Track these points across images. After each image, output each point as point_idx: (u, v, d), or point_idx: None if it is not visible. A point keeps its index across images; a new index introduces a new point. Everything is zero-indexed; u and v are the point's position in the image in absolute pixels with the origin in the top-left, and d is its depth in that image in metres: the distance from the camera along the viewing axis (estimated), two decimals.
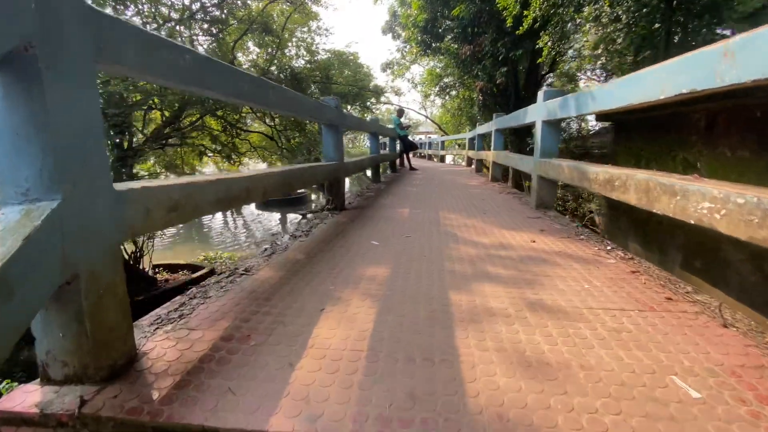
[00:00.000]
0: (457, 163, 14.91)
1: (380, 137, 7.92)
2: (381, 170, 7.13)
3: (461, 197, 4.67)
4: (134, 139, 8.36)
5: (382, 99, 13.84)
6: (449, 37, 11.46)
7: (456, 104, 14.75)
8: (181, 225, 10.46)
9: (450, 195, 4.76)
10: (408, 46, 19.30)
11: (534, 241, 2.59)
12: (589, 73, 15.16)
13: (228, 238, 17.34)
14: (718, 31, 5.93)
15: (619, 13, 6.58)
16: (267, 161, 11.30)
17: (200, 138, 9.20)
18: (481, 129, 9.41)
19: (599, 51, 10.11)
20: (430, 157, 17.84)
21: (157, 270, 10.84)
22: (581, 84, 19.22)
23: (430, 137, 43.64)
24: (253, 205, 24.72)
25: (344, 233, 2.92)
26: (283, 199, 13.98)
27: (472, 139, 10.17)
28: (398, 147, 9.87)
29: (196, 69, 1.60)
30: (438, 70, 14.41)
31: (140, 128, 8.40)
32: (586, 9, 6.87)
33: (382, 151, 7.58)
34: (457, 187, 5.54)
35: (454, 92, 13.89)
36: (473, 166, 9.54)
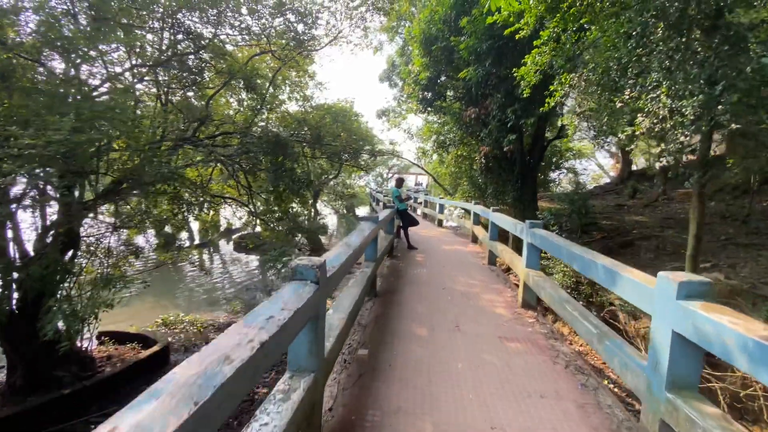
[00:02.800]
0: (459, 229, 13.69)
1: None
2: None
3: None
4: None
5: (377, 151, 12.91)
6: (452, 95, 10.74)
7: (454, 161, 13.93)
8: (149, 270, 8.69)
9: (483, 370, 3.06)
10: (404, 96, 18.87)
11: None
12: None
13: (201, 284, 15.69)
14: None
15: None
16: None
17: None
18: (479, 210, 8.42)
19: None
20: (423, 215, 16.42)
21: (101, 339, 9.14)
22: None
23: (419, 183, 42.59)
24: (230, 246, 23.25)
25: None
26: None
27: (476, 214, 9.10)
28: (395, 222, 8.74)
29: None
30: (437, 125, 13.72)
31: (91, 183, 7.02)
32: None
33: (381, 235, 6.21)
34: (483, 329, 3.82)
35: (452, 149, 13.05)
36: (480, 248, 8.24)
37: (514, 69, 7.01)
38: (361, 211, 34.82)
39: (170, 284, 15.10)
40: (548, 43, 5.92)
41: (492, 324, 4.04)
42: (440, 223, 12.80)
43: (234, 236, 22.75)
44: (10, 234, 6.03)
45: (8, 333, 6.18)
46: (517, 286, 4.73)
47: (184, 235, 15.20)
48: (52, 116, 3.22)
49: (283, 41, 7.43)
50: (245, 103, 7.91)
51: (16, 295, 6.14)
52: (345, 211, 28.79)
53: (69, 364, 7.02)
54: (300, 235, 9.92)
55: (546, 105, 6.46)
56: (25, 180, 5.21)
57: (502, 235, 6.56)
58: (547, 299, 3.74)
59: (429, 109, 11.32)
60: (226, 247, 22.99)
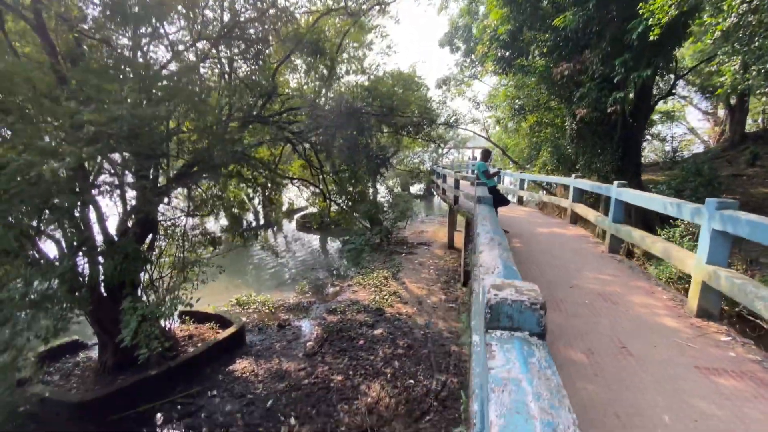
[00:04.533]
0: (540, 206, 12.07)
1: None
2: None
3: None
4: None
5: (453, 121, 11.59)
6: (536, 52, 9.18)
7: (530, 130, 12.31)
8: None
9: None
10: (470, 61, 17.16)
11: None
12: None
13: (267, 263, 16.02)
14: None
15: None
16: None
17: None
18: (584, 185, 6.98)
19: None
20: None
21: (183, 318, 9.47)
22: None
23: (475, 158, 39.73)
24: (293, 225, 23.66)
25: None
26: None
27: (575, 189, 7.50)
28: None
29: None
30: (512, 90, 12.10)
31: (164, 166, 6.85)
32: None
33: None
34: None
35: (530, 115, 11.47)
36: (586, 231, 6.83)
37: (640, 5, 5.50)
38: (415, 189, 33.74)
39: (239, 264, 15.54)
40: None
41: (670, 344, 2.95)
42: (521, 201, 11.41)
43: (297, 216, 23.01)
44: (94, 220, 6.08)
45: (97, 314, 6.35)
46: (671, 284, 3.64)
47: (249, 216, 15.48)
48: (112, 86, 2.76)
49: None
50: (312, 74, 7.23)
51: (102, 278, 6.27)
52: (400, 189, 27.96)
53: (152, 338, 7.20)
54: (361, 215, 9.34)
55: (685, 44, 4.94)
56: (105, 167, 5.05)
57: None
58: None
59: (507, 69, 9.86)
60: (288, 226, 23.42)
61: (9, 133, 3.94)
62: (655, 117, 16.16)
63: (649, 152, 20.07)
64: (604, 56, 7.59)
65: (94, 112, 2.64)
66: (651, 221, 8.02)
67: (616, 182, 5.00)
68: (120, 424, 5.77)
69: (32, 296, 3.28)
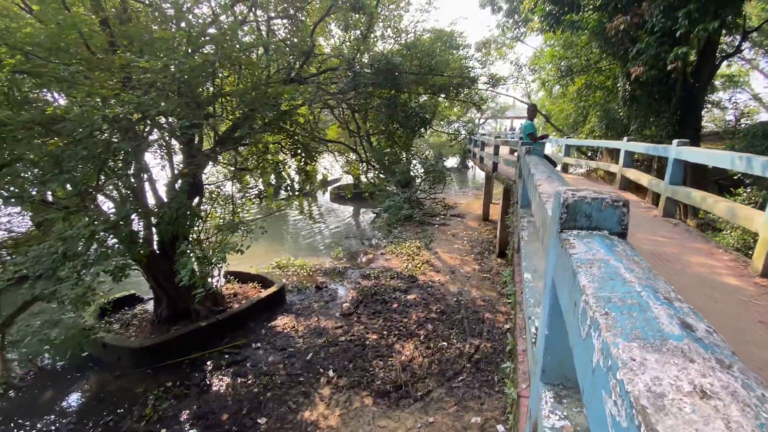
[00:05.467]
0: (587, 173, 11.28)
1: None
2: None
3: None
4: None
5: (497, 79, 10.92)
6: (590, 6, 8.43)
7: (578, 93, 11.51)
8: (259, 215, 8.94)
9: None
10: (513, 21, 16.12)
11: None
12: None
13: (303, 230, 16.52)
14: None
15: None
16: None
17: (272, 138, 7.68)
18: (637, 148, 6.42)
19: None
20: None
21: (228, 278, 10.07)
22: None
23: (513, 129, 37.48)
24: (327, 196, 24.05)
25: None
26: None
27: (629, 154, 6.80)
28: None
29: None
30: (560, 50, 11.25)
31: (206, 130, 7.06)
32: None
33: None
34: None
35: (578, 78, 10.71)
36: (637, 196, 6.31)
37: None
38: (450, 163, 32.91)
39: (278, 229, 16.11)
40: None
41: (733, 301, 2.76)
42: (565, 168, 10.81)
43: (330, 187, 23.30)
44: (146, 183, 6.45)
45: (152, 270, 6.85)
46: (732, 246, 3.36)
47: (287, 183, 15.84)
48: (164, 33, 2.82)
49: None
50: (349, 33, 7.04)
51: (156, 237, 6.70)
52: (434, 161, 27.43)
53: (204, 299, 7.72)
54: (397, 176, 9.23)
55: None
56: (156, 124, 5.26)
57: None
58: None
59: (555, 26, 9.15)
60: (322, 197, 23.84)
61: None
62: (717, 83, 14.62)
63: (708, 122, 18.27)
64: (665, 7, 6.84)
65: (149, 62, 2.74)
66: (709, 190, 7.43)
67: (675, 140, 4.61)
68: (174, 370, 6.32)
69: (97, 237, 3.55)
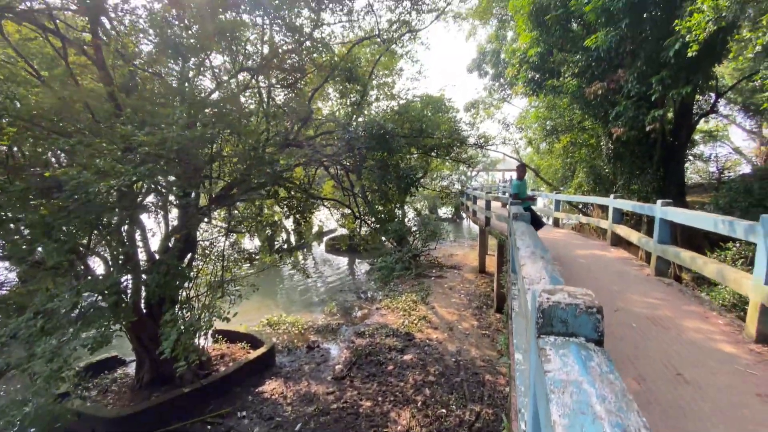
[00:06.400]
0: (576, 227, 11.45)
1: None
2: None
3: None
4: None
5: (483, 141, 11.43)
6: (568, 73, 9.10)
7: (564, 150, 12.00)
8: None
9: None
10: (499, 84, 17.27)
11: None
12: None
13: (297, 284, 16.20)
14: None
15: None
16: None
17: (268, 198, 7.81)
18: (624, 205, 6.61)
19: None
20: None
21: (216, 337, 9.65)
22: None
23: (506, 181, 38.65)
24: (322, 247, 23.99)
25: None
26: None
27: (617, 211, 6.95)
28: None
29: None
30: (543, 111, 11.96)
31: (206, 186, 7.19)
32: None
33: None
34: None
35: (563, 136, 11.23)
36: (629, 254, 6.39)
37: (677, 22, 5.38)
38: (443, 212, 33.35)
39: (271, 284, 15.80)
40: None
41: (730, 371, 2.71)
42: (556, 223, 10.94)
43: (326, 238, 23.31)
44: (139, 240, 6.44)
45: (137, 331, 6.59)
46: (725, 308, 3.32)
47: (283, 236, 15.84)
48: (166, 110, 2.98)
49: (387, 21, 6.77)
50: (345, 100, 7.51)
51: (143, 300, 6.54)
52: (428, 212, 27.81)
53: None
54: (390, 234, 9.30)
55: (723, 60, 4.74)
56: (152, 189, 5.36)
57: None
58: None
59: (538, 90, 9.81)
60: (317, 249, 23.75)
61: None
62: (697, 137, 15.39)
63: (692, 173, 18.99)
64: (639, 74, 7.40)
65: (148, 135, 2.86)
66: (699, 244, 7.50)
67: (659, 201, 4.72)
68: None
69: (80, 308, 3.46)
